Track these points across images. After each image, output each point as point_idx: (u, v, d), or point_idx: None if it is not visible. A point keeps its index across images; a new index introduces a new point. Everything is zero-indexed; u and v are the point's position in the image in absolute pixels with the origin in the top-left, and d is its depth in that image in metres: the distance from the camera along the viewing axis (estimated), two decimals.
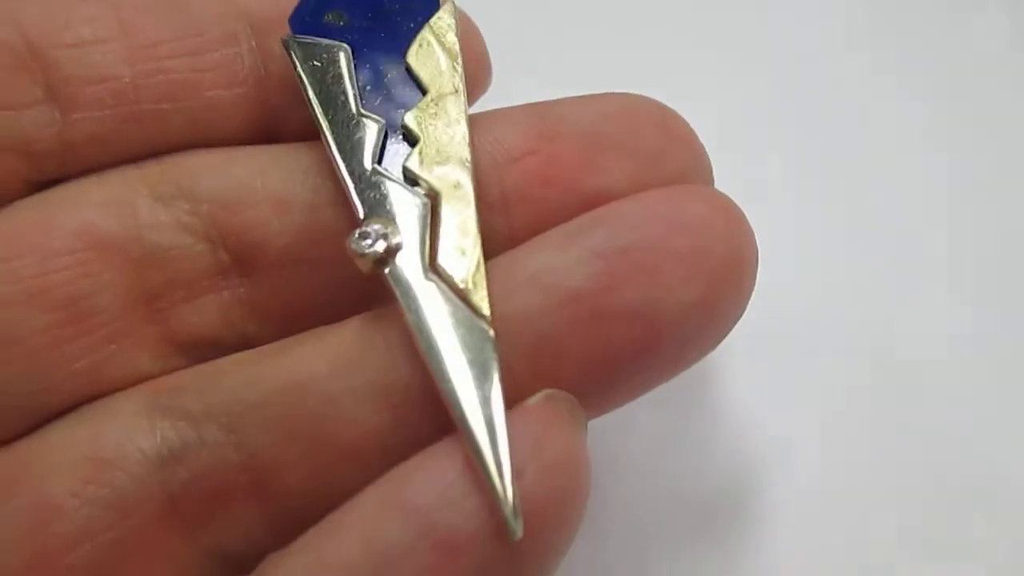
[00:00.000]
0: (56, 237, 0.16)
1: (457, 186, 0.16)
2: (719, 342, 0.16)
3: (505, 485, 0.13)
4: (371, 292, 0.16)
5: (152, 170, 0.17)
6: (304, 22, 0.17)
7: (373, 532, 0.14)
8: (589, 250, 0.15)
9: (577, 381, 0.15)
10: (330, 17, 0.17)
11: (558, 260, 0.15)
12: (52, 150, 0.17)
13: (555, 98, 0.17)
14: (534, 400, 0.14)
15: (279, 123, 0.18)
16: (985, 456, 0.20)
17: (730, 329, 0.16)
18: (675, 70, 0.24)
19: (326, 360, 0.15)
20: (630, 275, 0.15)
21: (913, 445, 0.20)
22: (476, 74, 0.18)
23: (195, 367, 0.17)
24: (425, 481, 0.14)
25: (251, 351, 0.16)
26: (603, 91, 0.18)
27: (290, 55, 0.17)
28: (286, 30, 0.17)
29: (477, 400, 0.14)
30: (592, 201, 0.16)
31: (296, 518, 0.15)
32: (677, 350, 0.15)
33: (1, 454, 0.16)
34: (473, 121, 0.17)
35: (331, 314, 0.16)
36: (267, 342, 0.17)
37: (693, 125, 0.17)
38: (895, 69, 0.25)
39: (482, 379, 0.14)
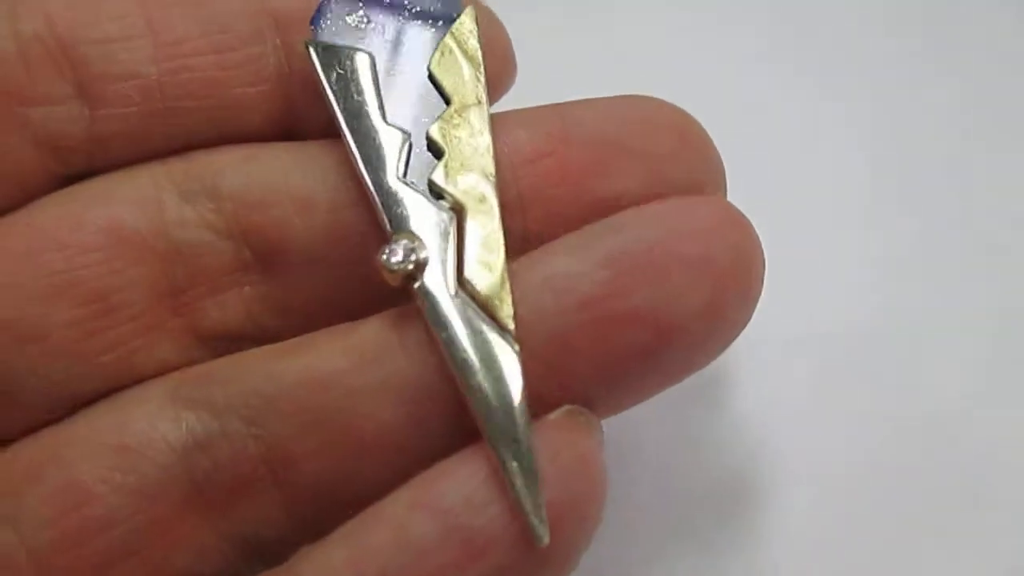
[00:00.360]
0: (84, 233, 0.17)
1: (482, 200, 0.16)
2: (726, 347, 0.16)
3: (533, 498, 0.14)
4: (390, 291, 0.16)
5: (177, 167, 0.17)
6: (325, 24, 0.17)
7: (404, 529, 0.15)
8: (600, 256, 0.16)
9: (587, 382, 0.16)
10: (351, 19, 0.17)
11: (570, 265, 0.16)
12: (80, 145, 0.17)
13: (573, 96, 0.18)
14: (556, 415, 0.15)
15: (302, 120, 0.18)
16: (989, 448, 0.21)
17: (737, 334, 0.16)
18: (684, 69, 0.24)
19: (345, 357, 0.16)
20: (638, 281, 0.15)
21: (920, 442, 0.21)
22: (500, 72, 0.18)
23: (219, 359, 0.17)
24: (453, 485, 0.15)
25: (273, 345, 0.17)
26: (618, 89, 0.18)
27: (312, 61, 0.17)
28: (310, 27, 0.17)
29: (505, 417, 0.15)
30: (606, 203, 0.17)
31: (314, 507, 0.16)
32: (684, 353, 0.16)
33: (31, 441, 0.17)
34: (492, 121, 0.17)
35: (351, 311, 0.17)
36: (288, 336, 0.17)
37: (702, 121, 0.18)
38: (896, 67, 0.25)
39: (509, 395, 0.15)
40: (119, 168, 0.17)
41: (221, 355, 0.17)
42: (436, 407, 0.16)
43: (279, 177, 0.17)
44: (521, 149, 0.17)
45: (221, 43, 0.17)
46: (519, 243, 0.16)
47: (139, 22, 0.17)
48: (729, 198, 0.17)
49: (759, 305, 0.16)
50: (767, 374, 0.21)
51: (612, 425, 0.16)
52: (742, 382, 0.21)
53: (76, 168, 0.17)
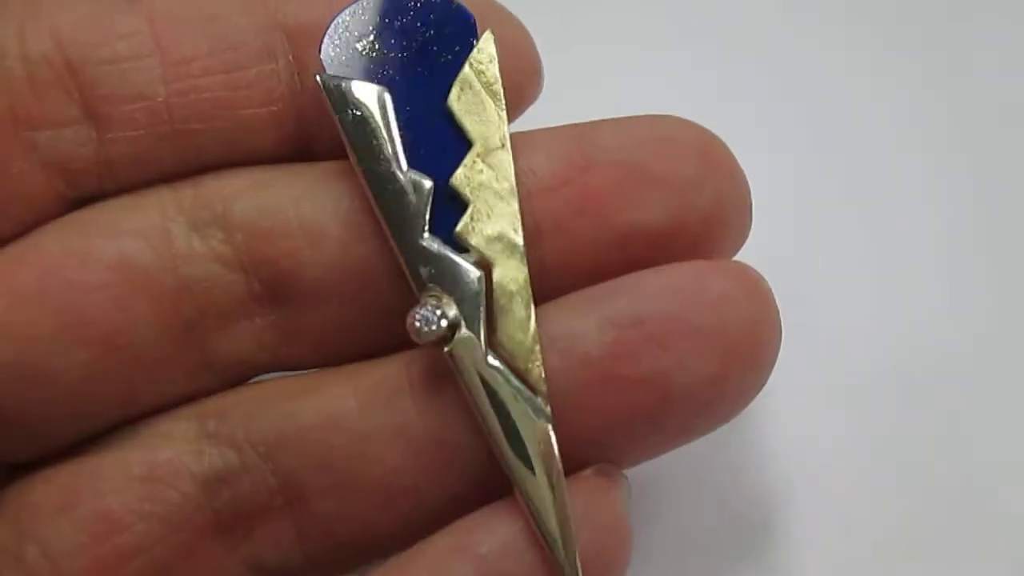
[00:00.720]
0: (92, 270, 0.16)
1: (510, 253, 0.16)
2: (735, 415, 0.16)
3: (569, 553, 0.15)
4: (402, 323, 0.16)
5: (186, 194, 0.17)
6: (335, 53, 0.16)
7: (442, 571, 0.16)
8: (606, 318, 0.16)
9: (588, 440, 0.16)
10: (362, 47, 0.16)
11: (576, 325, 0.16)
12: (89, 168, 0.17)
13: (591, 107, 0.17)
14: (588, 472, 0.16)
15: (315, 138, 0.17)
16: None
17: (746, 404, 0.16)
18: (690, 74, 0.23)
19: (356, 400, 0.16)
20: (643, 345, 0.15)
21: (941, 460, 0.21)
22: (524, 84, 0.17)
23: (239, 391, 0.17)
24: (491, 532, 0.16)
25: (291, 380, 0.17)
26: (630, 91, 0.17)
27: (326, 98, 0.16)
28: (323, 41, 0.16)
29: (540, 478, 0.15)
30: (627, 234, 0.16)
31: (326, 541, 0.17)
32: (687, 420, 0.16)
33: (55, 470, 0.17)
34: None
35: (364, 340, 0.17)
36: (301, 363, 0.18)
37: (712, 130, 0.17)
38: (896, 70, 0.24)
39: (544, 457, 0.15)
40: (129, 190, 0.17)
41: (234, 382, 0.18)
42: (444, 454, 0.16)
43: (290, 207, 0.17)
44: (539, 176, 0.16)
45: (231, 62, 0.17)
46: (537, 275, 0.16)
47: (148, 40, 0.17)
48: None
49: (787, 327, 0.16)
50: (789, 398, 0.21)
51: None
52: (779, 410, 0.21)
53: (85, 191, 0.17)
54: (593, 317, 0.16)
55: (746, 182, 0.17)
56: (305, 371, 0.18)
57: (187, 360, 0.17)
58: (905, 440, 0.21)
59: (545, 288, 0.16)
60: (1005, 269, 0.23)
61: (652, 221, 0.16)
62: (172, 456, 0.17)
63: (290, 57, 0.17)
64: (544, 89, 0.18)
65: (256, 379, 0.18)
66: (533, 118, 0.18)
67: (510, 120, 0.17)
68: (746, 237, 0.17)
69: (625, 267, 0.16)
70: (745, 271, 0.16)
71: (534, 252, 0.16)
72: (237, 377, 0.18)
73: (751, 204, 0.17)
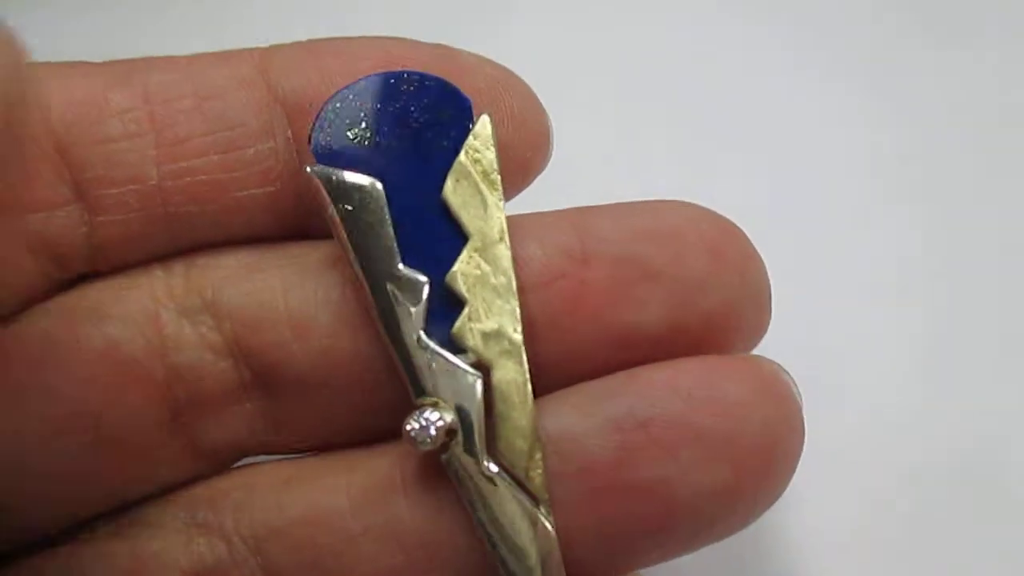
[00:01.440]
0: (81, 364, 0.16)
1: (508, 354, 0.15)
2: (747, 525, 0.15)
3: None
4: (391, 414, 0.16)
5: (178, 279, 0.17)
6: (327, 143, 0.15)
7: None
8: (609, 420, 0.15)
9: (588, 547, 0.15)
10: (354, 135, 0.15)
11: (578, 426, 0.15)
12: (79, 251, 0.16)
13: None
14: None
15: (313, 216, 0.17)
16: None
17: (760, 514, 0.15)
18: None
19: (349, 496, 0.16)
20: (646, 451, 0.15)
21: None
22: (531, 157, 0.17)
23: (230, 477, 0.17)
24: None
25: (284, 466, 0.17)
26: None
27: (318, 192, 0.15)
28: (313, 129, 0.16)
29: None
30: (625, 335, 0.16)
31: None
32: (693, 531, 0.15)
33: (41, 562, 0.17)
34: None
35: (355, 430, 0.17)
36: (292, 448, 0.17)
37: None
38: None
39: (547, 573, 0.15)
40: (121, 269, 0.17)
41: (223, 465, 0.17)
42: (437, 554, 0.16)
43: (279, 297, 0.16)
44: (535, 269, 0.16)
45: (228, 142, 0.16)
46: (532, 369, 0.15)
47: (142, 117, 0.16)
48: None
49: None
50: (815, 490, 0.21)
51: None
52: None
53: (76, 271, 0.17)
54: (595, 417, 0.15)
55: (764, 276, 0.16)
56: (297, 454, 0.17)
57: (175, 447, 0.17)
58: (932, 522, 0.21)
59: (541, 383, 0.16)
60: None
61: (651, 322, 0.16)
62: (160, 549, 0.16)
63: (289, 134, 0.16)
64: None
65: (248, 460, 0.17)
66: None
67: (516, 192, 0.16)
68: (764, 332, 0.16)
69: (623, 366, 0.16)
70: (761, 368, 0.15)
71: (529, 346, 0.15)
72: (225, 461, 0.17)
73: (769, 297, 0.16)
